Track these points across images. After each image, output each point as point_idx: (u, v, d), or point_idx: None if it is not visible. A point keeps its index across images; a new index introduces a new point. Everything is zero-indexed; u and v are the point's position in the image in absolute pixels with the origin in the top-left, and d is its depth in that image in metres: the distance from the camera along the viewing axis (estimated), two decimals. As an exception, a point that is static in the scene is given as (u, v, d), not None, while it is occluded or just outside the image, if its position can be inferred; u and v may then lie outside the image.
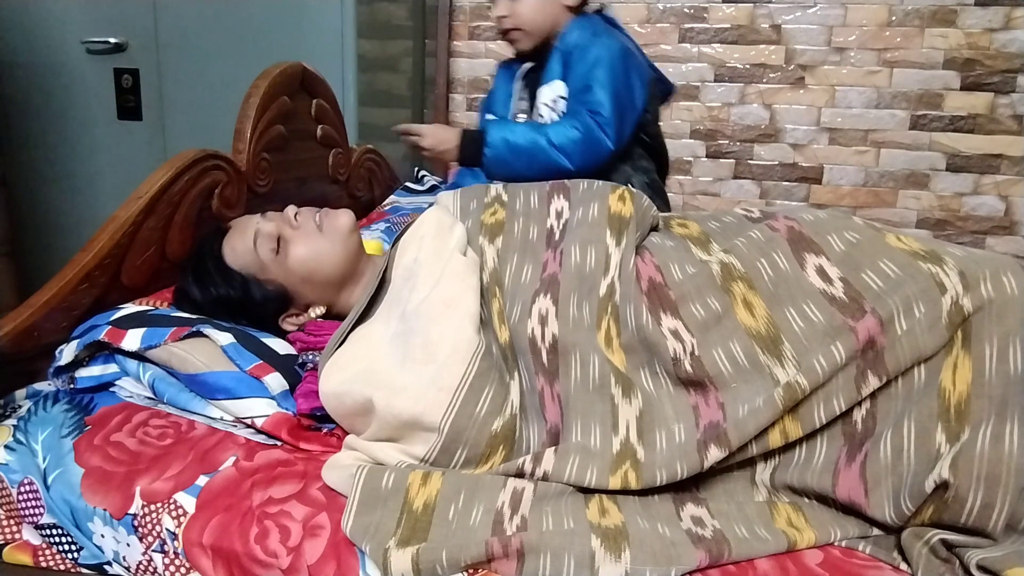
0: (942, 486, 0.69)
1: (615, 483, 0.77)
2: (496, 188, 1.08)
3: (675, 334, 0.85)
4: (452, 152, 1.41)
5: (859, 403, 0.77)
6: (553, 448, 0.80)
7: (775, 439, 0.77)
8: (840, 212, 0.91)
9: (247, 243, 1.02)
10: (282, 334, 1.04)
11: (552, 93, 1.39)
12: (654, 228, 1.03)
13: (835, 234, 0.85)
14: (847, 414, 0.77)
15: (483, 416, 0.82)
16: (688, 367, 0.82)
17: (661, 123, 1.57)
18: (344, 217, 1.05)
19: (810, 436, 0.78)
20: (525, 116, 1.53)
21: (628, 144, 1.41)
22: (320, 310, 1.05)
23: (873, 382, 0.76)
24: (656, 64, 1.55)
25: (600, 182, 1.02)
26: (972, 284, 0.75)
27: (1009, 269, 0.75)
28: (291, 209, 1.06)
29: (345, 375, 0.87)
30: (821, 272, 0.83)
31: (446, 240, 0.97)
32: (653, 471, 0.77)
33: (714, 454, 0.76)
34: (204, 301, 1.02)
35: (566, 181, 1.05)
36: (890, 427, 0.75)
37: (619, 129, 1.34)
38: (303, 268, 1.02)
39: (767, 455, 0.80)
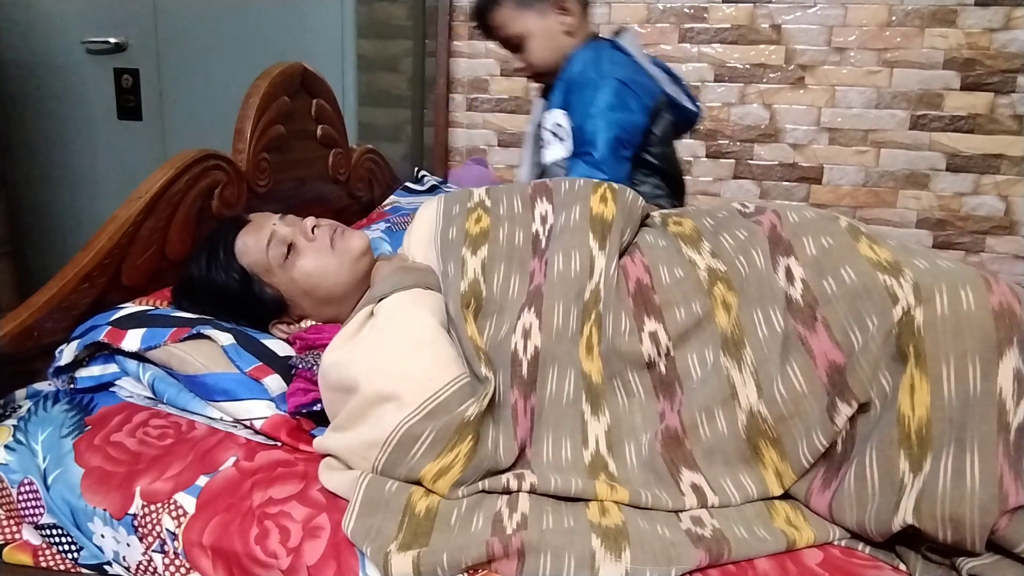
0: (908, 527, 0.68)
1: (602, 488, 0.77)
2: (479, 192, 1.07)
3: (653, 336, 0.86)
4: None
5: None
6: (530, 469, 0.81)
7: (772, 483, 0.79)
8: (830, 215, 0.88)
9: (260, 242, 1.01)
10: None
11: (552, 120, 1.41)
12: (645, 219, 1.03)
13: (811, 237, 0.84)
14: None
15: (462, 408, 0.79)
16: (662, 368, 0.83)
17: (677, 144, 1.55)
18: (358, 240, 1.05)
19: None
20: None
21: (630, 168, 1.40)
22: (311, 323, 1.04)
23: (844, 410, 0.74)
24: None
25: (583, 180, 1.01)
26: (925, 297, 0.70)
27: (969, 283, 0.70)
28: (310, 220, 1.05)
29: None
30: (788, 273, 0.83)
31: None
32: (636, 487, 0.79)
33: (688, 478, 0.78)
34: (203, 286, 1.02)
35: (548, 181, 1.05)
36: (854, 459, 0.74)
37: (615, 162, 1.35)
38: (306, 282, 1.01)
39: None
